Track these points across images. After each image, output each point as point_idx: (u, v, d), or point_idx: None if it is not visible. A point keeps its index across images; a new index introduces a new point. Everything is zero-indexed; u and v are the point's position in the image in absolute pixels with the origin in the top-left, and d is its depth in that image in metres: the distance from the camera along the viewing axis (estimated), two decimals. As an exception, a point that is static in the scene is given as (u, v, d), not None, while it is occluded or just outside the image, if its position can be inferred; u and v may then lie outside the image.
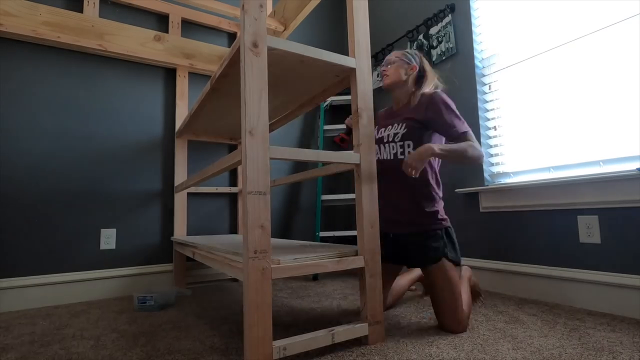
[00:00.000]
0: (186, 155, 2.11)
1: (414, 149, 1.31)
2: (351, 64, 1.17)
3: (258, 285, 0.89)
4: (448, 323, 1.19)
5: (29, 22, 1.73)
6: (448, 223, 1.33)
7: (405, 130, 1.34)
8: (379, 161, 1.38)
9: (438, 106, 1.29)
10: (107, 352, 1.09)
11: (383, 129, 1.43)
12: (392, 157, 1.36)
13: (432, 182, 1.33)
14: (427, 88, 1.40)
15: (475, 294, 1.52)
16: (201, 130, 2.06)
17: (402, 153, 1.34)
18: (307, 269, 1.00)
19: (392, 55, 1.44)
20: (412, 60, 1.41)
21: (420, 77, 1.41)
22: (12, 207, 1.69)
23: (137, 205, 1.98)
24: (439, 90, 1.35)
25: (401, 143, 1.35)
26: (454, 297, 1.20)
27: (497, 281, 1.74)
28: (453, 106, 1.31)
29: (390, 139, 1.37)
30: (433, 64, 2.14)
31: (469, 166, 1.20)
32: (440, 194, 1.36)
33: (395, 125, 1.38)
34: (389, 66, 1.41)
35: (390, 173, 1.36)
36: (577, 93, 1.53)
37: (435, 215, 1.31)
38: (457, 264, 1.29)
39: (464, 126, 1.28)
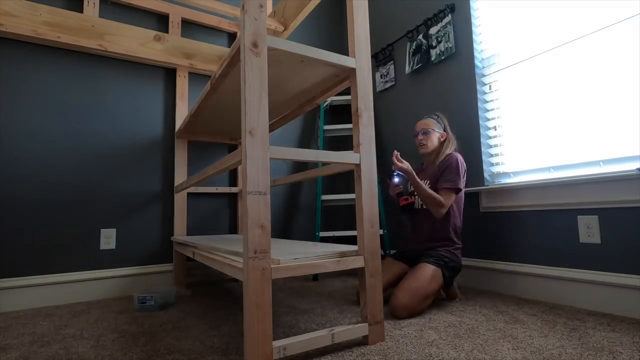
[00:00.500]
0: (186, 156, 2.11)
1: None
2: (351, 64, 1.17)
3: (258, 286, 0.89)
4: (399, 303, 1.35)
5: (29, 22, 1.73)
6: (455, 262, 1.56)
7: (430, 186, 1.64)
8: (414, 209, 1.72)
9: (450, 163, 1.58)
10: (107, 352, 1.09)
11: None
12: (420, 207, 1.69)
13: (451, 232, 1.60)
14: (449, 149, 1.69)
15: (452, 295, 1.64)
16: (201, 131, 2.06)
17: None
18: (307, 269, 1.00)
19: (424, 125, 1.72)
20: (441, 126, 1.72)
21: (445, 140, 1.71)
22: (12, 207, 1.69)
23: (137, 205, 1.99)
24: (457, 154, 1.62)
25: None
26: (419, 287, 1.39)
27: (497, 281, 1.74)
28: (461, 169, 1.57)
29: None
30: (432, 63, 2.14)
31: (430, 209, 1.56)
32: (459, 243, 1.61)
33: (425, 181, 1.68)
34: (424, 135, 1.70)
35: (420, 216, 1.68)
36: (577, 93, 1.53)
37: (447, 250, 1.57)
38: (447, 284, 1.54)
39: (450, 184, 1.54)
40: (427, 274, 1.44)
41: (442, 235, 1.59)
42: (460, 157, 1.60)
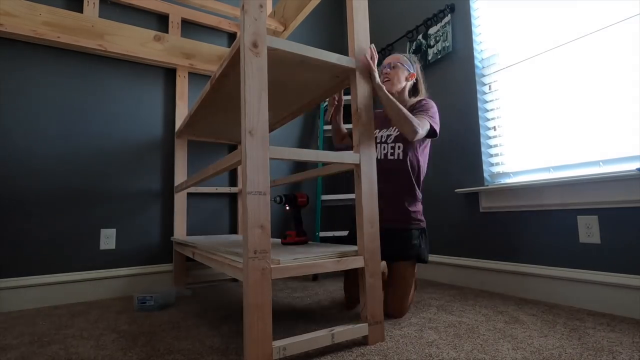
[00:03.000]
0: (186, 156, 2.11)
1: (403, 151, 1.46)
2: (351, 64, 1.17)
3: (258, 286, 0.89)
4: (394, 311, 1.36)
5: (29, 22, 1.73)
6: (425, 224, 1.49)
7: (398, 133, 1.46)
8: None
9: (426, 106, 1.43)
10: (106, 352, 1.09)
11: (377, 130, 1.57)
12: (382, 157, 1.48)
13: (416, 184, 1.47)
14: (422, 94, 1.56)
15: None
16: (201, 131, 2.06)
17: (392, 154, 1.47)
18: (307, 269, 1.00)
19: (393, 59, 1.52)
20: (412, 66, 1.53)
21: (415, 85, 1.56)
22: (11, 207, 1.69)
23: (137, 205, 1.98)
24: (426, 98, 1.49)
25: (392, 144, 1.48)
26: (406, 291, 1.39)
27: (496, 281, 1.74)
28: (435, 110, 1.43)
29: (383, 140, 1.51)
30: (429, 63, 2.14)
31: (401, 130, 1.30)
32: (421, 197, 1.50)
33: (391, 128, 1.51)
34: (391, 70, 1.51)
35: (379, 172, 1.37)
36: (577, 93, 1.53)
37: (416, 214, 1.47)
38: (424, 262, 1.47)
39: (428, 117, 1.37)
40: (407, 276, 1.40)
41: (408, 195, 1.45)
42: (431, 102, 1.44)
